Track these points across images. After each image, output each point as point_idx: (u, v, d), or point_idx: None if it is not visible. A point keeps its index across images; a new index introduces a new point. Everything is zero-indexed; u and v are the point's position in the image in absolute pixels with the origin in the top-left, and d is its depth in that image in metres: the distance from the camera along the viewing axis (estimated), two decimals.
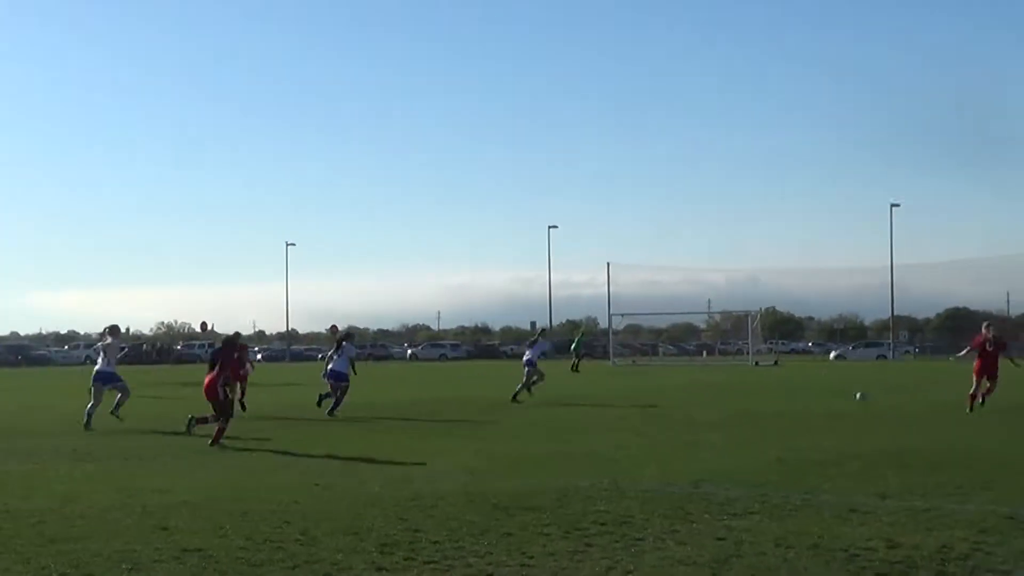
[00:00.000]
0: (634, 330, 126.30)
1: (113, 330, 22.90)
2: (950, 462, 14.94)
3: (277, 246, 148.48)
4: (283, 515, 10.80)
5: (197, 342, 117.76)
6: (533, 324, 68.43)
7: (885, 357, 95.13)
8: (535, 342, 33.43)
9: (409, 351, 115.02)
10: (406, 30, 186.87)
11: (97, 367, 22.72)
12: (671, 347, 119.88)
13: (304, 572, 8.25)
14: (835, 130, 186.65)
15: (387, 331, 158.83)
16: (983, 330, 25.44)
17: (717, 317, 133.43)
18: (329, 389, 26.81)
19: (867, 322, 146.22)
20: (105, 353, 22.61)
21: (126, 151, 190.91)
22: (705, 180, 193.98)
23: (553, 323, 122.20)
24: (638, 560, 8.59)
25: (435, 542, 9.34)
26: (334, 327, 29.89)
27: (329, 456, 16.58)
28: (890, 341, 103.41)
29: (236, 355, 20.22)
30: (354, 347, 28.39)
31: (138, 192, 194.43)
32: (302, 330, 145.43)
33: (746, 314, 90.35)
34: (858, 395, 29.80)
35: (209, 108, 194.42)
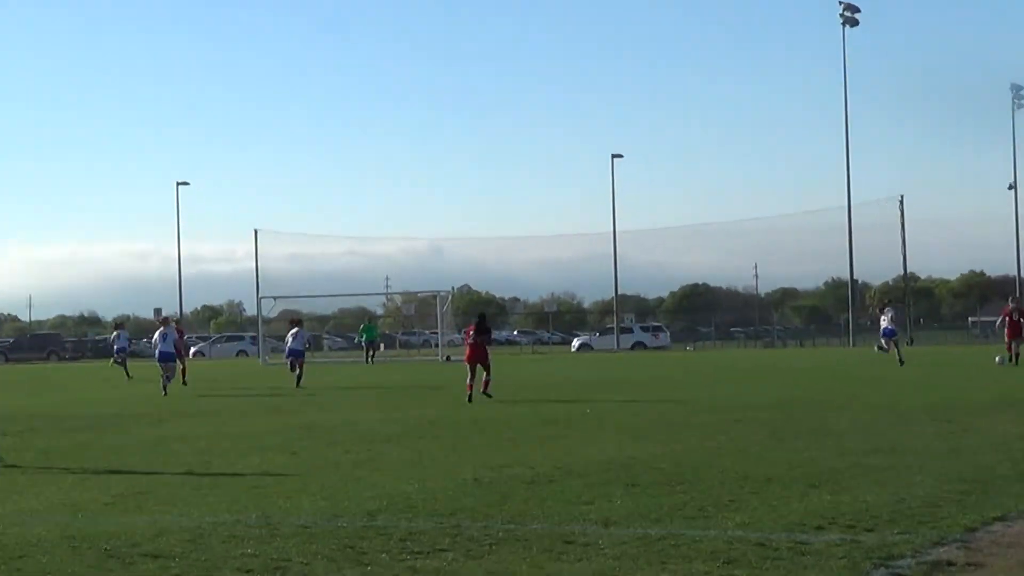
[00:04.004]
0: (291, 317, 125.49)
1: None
2: (691, 476, 15.46)
3: None
4: None
5: None
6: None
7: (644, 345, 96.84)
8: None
9: None
10: None
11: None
12: (338, 339, 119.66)
13: None
14: (549, 73, 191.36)
15: None
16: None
17: (397, 299, 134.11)
18: None
19: (587, 303, 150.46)
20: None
21: None
22: (364, 135, 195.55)
23: (185, 310, 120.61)
24: None
25: None
26: None
27: None
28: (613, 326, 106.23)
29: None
30: None
31: None
32: None
33: (434, 295, 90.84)
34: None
35: None
